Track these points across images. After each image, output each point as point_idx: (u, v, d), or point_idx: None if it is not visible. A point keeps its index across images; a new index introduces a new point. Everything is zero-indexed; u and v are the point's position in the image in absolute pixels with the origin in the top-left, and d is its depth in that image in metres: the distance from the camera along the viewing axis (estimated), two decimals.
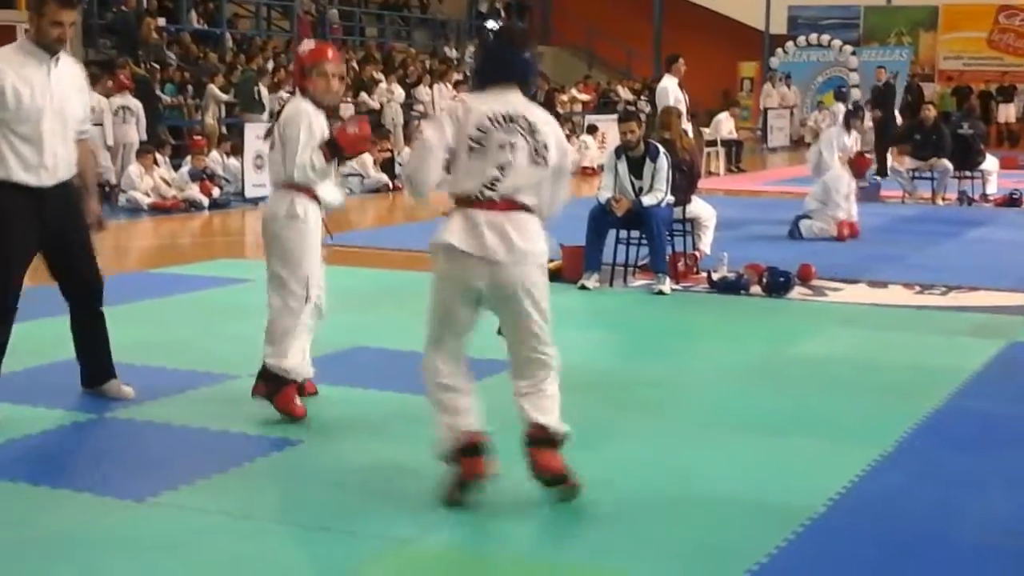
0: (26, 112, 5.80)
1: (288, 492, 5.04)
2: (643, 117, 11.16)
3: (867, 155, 14.43)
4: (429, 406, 4.99)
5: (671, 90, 13.83)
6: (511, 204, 4.82)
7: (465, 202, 4.79)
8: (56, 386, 6.55)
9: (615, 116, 25.54)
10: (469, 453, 4.85)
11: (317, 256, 6.14)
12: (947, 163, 16.87)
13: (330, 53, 6.15)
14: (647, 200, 9.75)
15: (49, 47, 5.93)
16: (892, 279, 10.34)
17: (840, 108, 20.63)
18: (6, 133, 5.79)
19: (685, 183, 10.30)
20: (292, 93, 6.30)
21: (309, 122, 5.93)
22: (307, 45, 6.29)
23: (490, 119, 4.78)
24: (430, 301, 4.95)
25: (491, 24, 6.40)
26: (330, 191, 6.22)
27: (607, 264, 9.92)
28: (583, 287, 9.64)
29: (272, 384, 6.00)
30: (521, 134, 4.81)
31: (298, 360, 6.04)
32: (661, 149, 9.90)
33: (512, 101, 4.85)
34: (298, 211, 5.97)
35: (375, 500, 4.90)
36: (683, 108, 13.82)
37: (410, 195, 4.94)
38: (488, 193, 4.76)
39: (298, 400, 6.03)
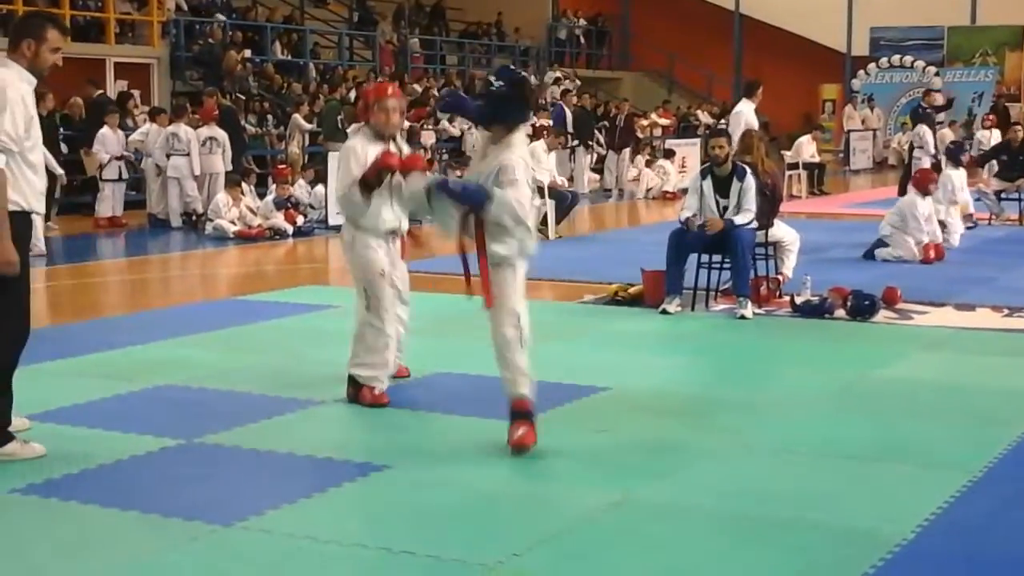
0: (34, 140, 5.78)
1: (373, 517, 5.08)
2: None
3: (932, 171, 14.31)
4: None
5: (745, 114, 13.77)
6: None
7: None
8: (145, 412, 6.66)
9: (694, 140, 25.67)
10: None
11: (375, 271, 6.88)
12: None
13: (390, 90, 7.03)
14: (739, 219, 9.72)
15: (41, 73, 5.84)
16: (979, 302, 10.18)
17: (924, 129, 20.37)
18: (20, 162, 5.63)
19: (767, 206, 10.24)
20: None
21: (352, 158, 6.74)
22: (371, 83, 6.93)
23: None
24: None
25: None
26: (386, 216, 6.88)
27: (688, 288, 9.88)
28: (664, 312, 9.61)
29: (353, 386, 6.85)
30: None
31: (375, 368, 6.84)
32: (748, 169, 9.87)
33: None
34: (346, 238, 6.97)
35: (459, 525, 4.92)
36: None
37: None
38: None
39: (376, 391, 6.80)
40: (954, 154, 14.95)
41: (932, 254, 12.70)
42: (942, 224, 13.49)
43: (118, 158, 16.52)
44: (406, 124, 21.95)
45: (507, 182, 5.79)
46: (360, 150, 6.73)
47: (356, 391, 6.82)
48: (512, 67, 6.49)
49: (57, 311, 10.31)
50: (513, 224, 5.90)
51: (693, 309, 9.81)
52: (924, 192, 13.14)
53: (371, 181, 6.66)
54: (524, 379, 6.03)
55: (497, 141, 5.93)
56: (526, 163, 5.93)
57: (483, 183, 5.85)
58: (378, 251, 6.88)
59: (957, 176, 14.41)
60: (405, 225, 7.07)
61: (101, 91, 18.96)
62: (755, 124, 13.80)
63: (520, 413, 5.95)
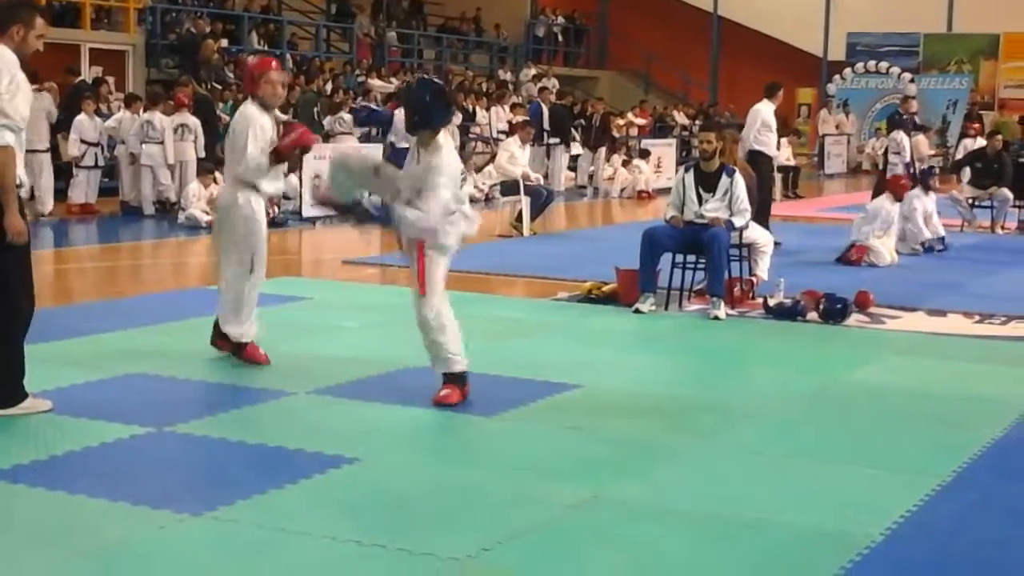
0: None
1: (344, 509, 5.06)
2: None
3: (904, 178, 14.43)
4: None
5: (763, 112, 13.82)
6: None
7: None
8: (114, 399, 6.62)
9: (670, 141, 25.72)
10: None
11: (262, 237, 7.41)
12: (1007, 192, 16.72)
13: (274, 64, 7.65)
14: (737, 221, 9.79)
15: (25, 57, 6.05)
16: (951, 308, 10.23)
17: (902, 136, 20.47)
18: (22, 141, 5.93)
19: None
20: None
21: (256, 127, 7.22)
22: (253, 58, 7.52)
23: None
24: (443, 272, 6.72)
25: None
26: (271, 183, 7.44)
27: (662, 288, 9.89)
28: (637, 311, 9.62)
29: (231, 345, 7.47)
30: None
31: (251, 324, 7.47)
32: (737, 169, 9.93)
33: None
34: (240, 200, 7.31)
35: (431, 518, 4.91)
36: (773, 135, 13.89)
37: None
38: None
39: (261, 350, 7.45)
40: (924, 178, 15.02)
41: (855, 255, 12.82)
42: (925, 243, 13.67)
43: (93, 144, 16.42)
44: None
45: (431, 184, 6.46)
46: (259, 117, 7.29)
47: (239, 348, 7.45)
48: (428, 77, 7.43)
49: None
50: (418, 233, 6.58)
51: (667, 309, 9.82)
52: (897, 197, 13.24)
53: (287, 154, 7.36)
54: (450, 355, 6.70)
55: (426, 145, 6.58)
56: (454, 163, 6.64)
57: (413, 185, 6.58)
58: (263, 219, 7.48)
59: (928, 202, 14.47)
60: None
61: (81, 78, 18.86)
62: (772, 123, 13.90)
63: (449, 378, 6.69)
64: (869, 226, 12.99)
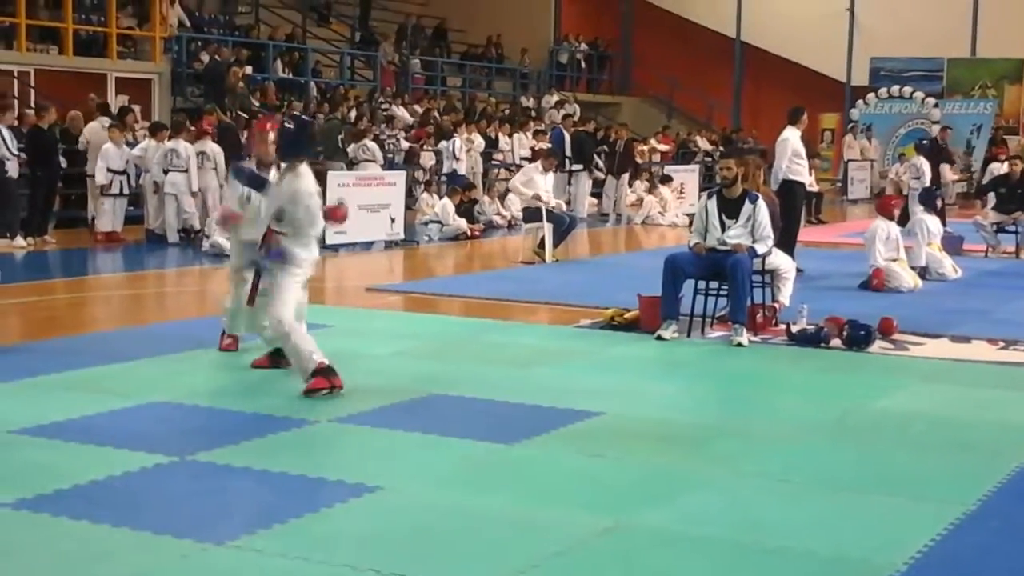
0: None
1: (365, 538, 5.07)
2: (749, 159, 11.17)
3: (894, 199, 14.41)
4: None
5: (791, 141, 13.82)
6: None
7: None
8: (138, 428, 6.65)
9: (693, 167, 25.72)
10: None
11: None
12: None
13: (269, 124, 8.46)
14: (760, 248, 9.84)
15: None
16: (975, 334, 10.18)
17: (922, 161, 20.44)
18: None
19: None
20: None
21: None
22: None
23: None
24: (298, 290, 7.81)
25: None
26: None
27: (684, 315, 9.88)
28: (659, 338, 9.61)
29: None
30: None
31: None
32: (760, 196, 9.95)
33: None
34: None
35: (451, 548, 4.91)
36: (804, 161, 13.89)
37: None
38: None
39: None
40: (928, 200, 15.01)
41: (875, 281, 12.75)
42: (922, 270, 13.58)
43: (120, 173, 16.51)
44: (406, 144, 22.07)
45: (310, 208, 7.67)
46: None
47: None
48: (299, 115, 8.43)
49: (53, 325, 10.30)
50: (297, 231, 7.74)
51: (689, 335, 9.81)
52: (888, 216, 13.26)
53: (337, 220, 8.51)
54: (306, 358, 7.45)
55: (293, 171, 7.70)
56: (311, 189, 7.74)
57: (279, 203, 7.73)
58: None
59: (931, 221, 14.46)
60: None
61: (123, 106, 19.03)
62: (802, 150, 13.91)
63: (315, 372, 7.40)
64: (870, 248, 12.98)
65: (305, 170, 7.73)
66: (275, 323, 7.56)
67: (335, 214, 8.28)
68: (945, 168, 23.10)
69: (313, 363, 7.39)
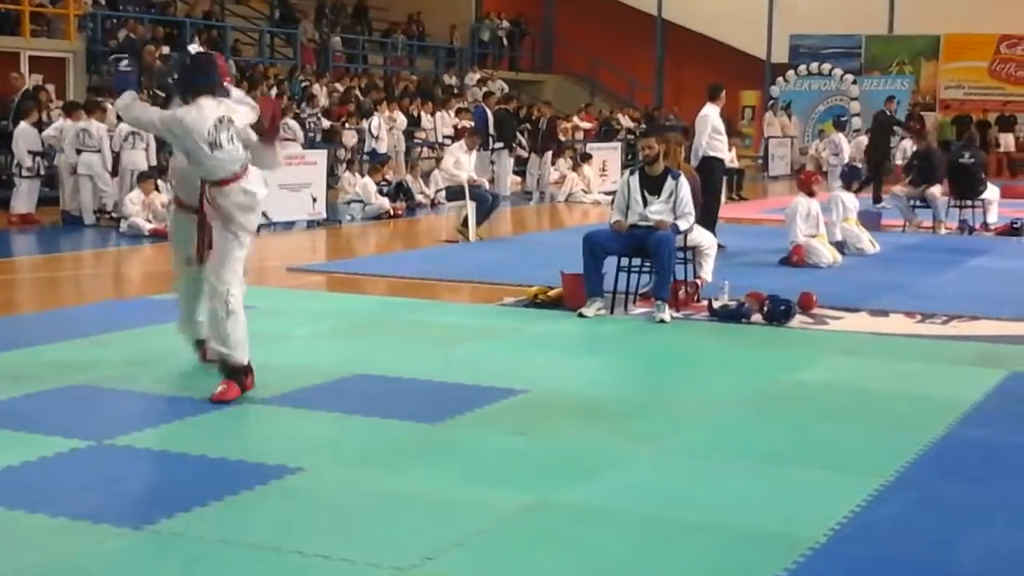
0: None
1: (286, 520, 5.01)
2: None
3: (814, 175, 14.59)
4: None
5: (711, 118, 13.89)
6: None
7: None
8: (54, 412, 6.53)
9: (615, 144, 25.79)
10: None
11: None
12: (935, 191, 16.90)
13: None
14: (682, 224, 9.88)
15: None
16: (893, 308, 10.31)
17: (840, 137, 20.68)
18: None
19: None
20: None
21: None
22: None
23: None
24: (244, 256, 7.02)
25: (192, 48, 7.45)
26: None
27: (608, 292, 9.90)
28: (581, 315, 9.62)
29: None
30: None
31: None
32: (681, 173, 10.01)
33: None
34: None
35: (374, 528, 4.88)
36: (723, 138, 13.97)
37: None
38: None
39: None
40: (847, 178, 15.19)
41: (795, 257, 12.89)
42: (839, 245, 13.74)
43: (37, 154, 16.20)
44: (326, 123, 21.88)
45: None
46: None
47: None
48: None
49: None
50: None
51: (612, 312, 9.84)
52: (808, 192, 13.40)
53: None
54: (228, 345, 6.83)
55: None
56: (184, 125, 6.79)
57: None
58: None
59: (848, 197, 14.62)
60: None
61: (27, 86, 18.69)
62: (721, 127, 13.99)
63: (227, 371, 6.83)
64: (791, 225, 13.11)
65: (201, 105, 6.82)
66: (224, 292, 6.82)
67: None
68: (862, 140, 23.47)
69: (238, 359, 6.83)
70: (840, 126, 22.35)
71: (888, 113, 22.20)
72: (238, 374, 6.81)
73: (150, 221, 15.15)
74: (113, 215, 15.88)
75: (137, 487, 5.40)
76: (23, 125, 16.18)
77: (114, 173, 16.55)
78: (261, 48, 27.04)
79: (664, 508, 5.18)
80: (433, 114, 24.42)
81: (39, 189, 16.62)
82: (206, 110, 6.73)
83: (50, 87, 19.97)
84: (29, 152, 16.09)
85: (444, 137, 23.61)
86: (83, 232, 15.80)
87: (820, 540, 4.78)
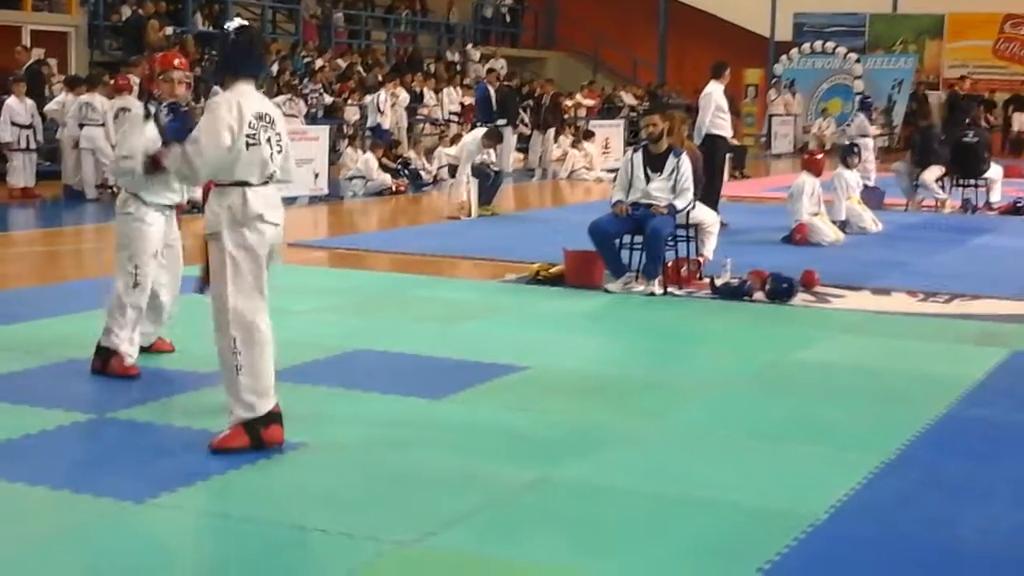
0: None
1: (287, 494, 5.02)
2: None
3: (819, 154, 14.56)
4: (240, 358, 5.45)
5: (715, 96, 13.87)
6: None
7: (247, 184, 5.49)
8: (56, 386, 6.53)
9: (618, 122, 25.72)
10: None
11: (148, 249, 6.87)
12: (927, 175, 16.85)
13: (177, 61, 6.82)
14: (679, 203, 9.89)
15: None
16: (895, 286, 10.30)
17: (863, 118, 20.54)
18: None
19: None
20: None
21: (137, 128, 6.64)
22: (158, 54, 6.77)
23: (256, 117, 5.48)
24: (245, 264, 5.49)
25: (233, 24, 6.39)
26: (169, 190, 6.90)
27: (631, 271, 9.90)
28: (607, 290, 9.72)
29: (102, 358, 6.74)
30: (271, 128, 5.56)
31: (131, 343, 6.80)
32: (684, 150, 10.01)
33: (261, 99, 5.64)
34: (130, 208, 6.86)
35: (374, 503, 4.88)
36: (726, 116, 13.93)
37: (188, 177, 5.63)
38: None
39: (127, 362, 6.73)
40: (846, 154, 15.15)
41: (798, 236, 12.88)
42: (842, 223, 13.71)
43: (26, 127, 16.13)
44: (329, 99, 21.82)
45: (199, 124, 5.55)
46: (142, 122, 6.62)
47: (105, 362, 6.71)
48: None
49: None
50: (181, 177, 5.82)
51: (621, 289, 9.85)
52: (815, 173, 13.38)
53: (153, 166, 6.53)
54: (237, 404, 5.48)
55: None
56: (232, 107, 5.47)
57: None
58: (153, 226, 6.89)
59: (851, 176, 14.59)
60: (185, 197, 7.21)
61: (36, 59, 18.66)
62: (724, 104, 13.97)
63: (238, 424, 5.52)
64: (796, 204, 13.10)
65: (238, 93, 5.54)
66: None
67: None
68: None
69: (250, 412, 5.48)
70: (866, 107, 22.17)
71: (960, 93, 21.14)
72: (252, 426, 5.50)
73: None
74: (115, 189, 15.83)
75: (139, 461, 5.38)
76: (8, 100, 16.11)
77: None
78: (263, 24, 26.91)
79: (666, 485, 5.18)
80: (438, 91, 24.35)
81: (35, 162, 16.55)
82: (248, 98, 5.54)
83: (52, 61, 19.90)
84: (15, 125, 16.00)
85: (451, 114, 23.55)
86: (85, 206, 15.78)
87: (821, 517, 4.78)
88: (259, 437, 5.43)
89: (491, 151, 16.33)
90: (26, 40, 20.41)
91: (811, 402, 6.64)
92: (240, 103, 5.47)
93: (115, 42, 22.08)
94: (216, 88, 6.25)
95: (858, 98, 23.77)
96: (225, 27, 5.73)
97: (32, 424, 5.77)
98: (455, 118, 23.80)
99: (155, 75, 6.66)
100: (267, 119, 5.57)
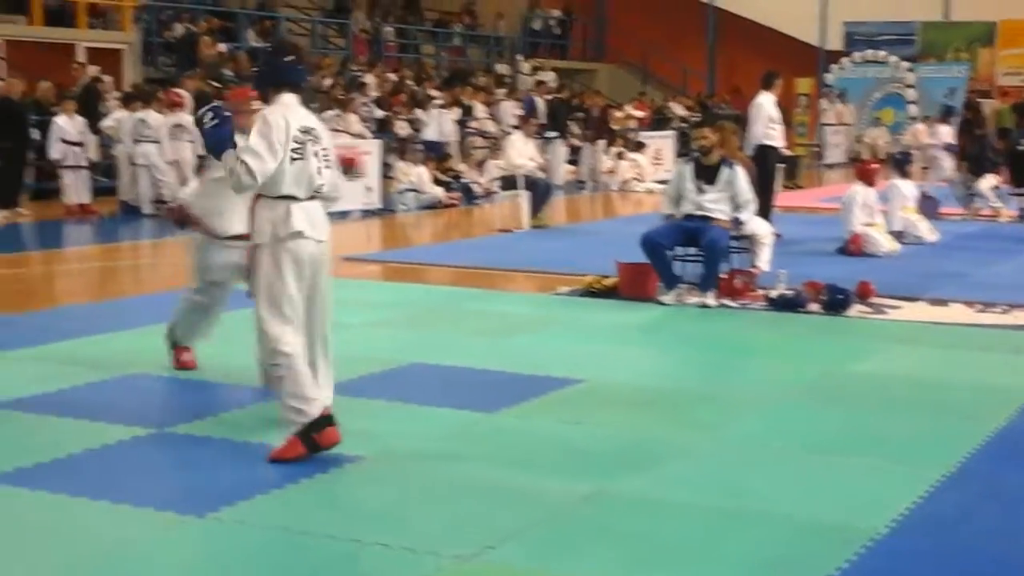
0: None
1: (347, 508, 5.05)
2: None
3: (873, 163, 14.45)
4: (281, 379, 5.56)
5: (766, 107, 13.84)
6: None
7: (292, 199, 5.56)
8: (116, 401, 6.61)
9: (668, 133, 25.66)
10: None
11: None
12: (990, 180, 16.69)
13: (252, 95, 6.67)
14: (743, 216, 9.92)
15: None
16: (953, 297, 10.21)
17: (944, 129, 20.37)
18: None
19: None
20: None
21: None
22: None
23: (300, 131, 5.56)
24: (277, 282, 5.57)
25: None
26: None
27: (685, 283, 9.88)
28: (660, 303, 9.71)
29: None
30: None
31: None
32: (736, 162, 10.00)
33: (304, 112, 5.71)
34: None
35: (432, 516, 4.90)
36: (777, 126, 13.90)
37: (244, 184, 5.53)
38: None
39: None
40: (900, 164, 15.04)
41: (852, 246, 12.79)
42: (897, 234, 13.61)
43: (75, 144, 16.28)
44: (380, 113, 21.93)
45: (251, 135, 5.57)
46: None
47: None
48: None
49: (26, 298, 10.22)
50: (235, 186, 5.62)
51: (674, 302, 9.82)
52: (869, 183, 13.28)
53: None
54: (287, 411, 5.58)
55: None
56: (277, 123, 5.53)
57: None
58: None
59: (906, 185, 14.49)
60: None
61: (95, 76, 18.89)
62: (776, 115, 13.93)
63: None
64: (848, 214, 13.02)
65: (282, 105, 5.64)
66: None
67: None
68: (920, 131, 23.19)
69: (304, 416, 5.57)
70: (945, 116, 22.02)
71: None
72: (307, 432, 5.57)
73: None
74: (171, 205, 15.98)
75: (199, 475, 5.44)
76: (57, 118, 16.25)
77: None
78: (314, 39, 27.14)
79: (722, 498, 5.16)
80: (489, 104, 24.41)
81: (89, 179, 16.68)
82: (293, 111, 5.61)
83: (107, 78, 20.14)
84: (64, 142, 16.15)
85: (510, 127, 23.61)
86: (141, 221, 15.96)
87: (881, 531, 4.74)
88: (314, 443, 5.50)
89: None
90: (81, 57, 20.69)
91: (868, 414, 6.59)
92: (285, 116, 5.54)
93: (168, 58, 22.33)
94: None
95: (946, 107, 23.63)
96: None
97: (93, 439, 5.84)
98: (512, 131, 23.85)
99: (238, 111, 6.53)
100: (312, 133, 5.63)
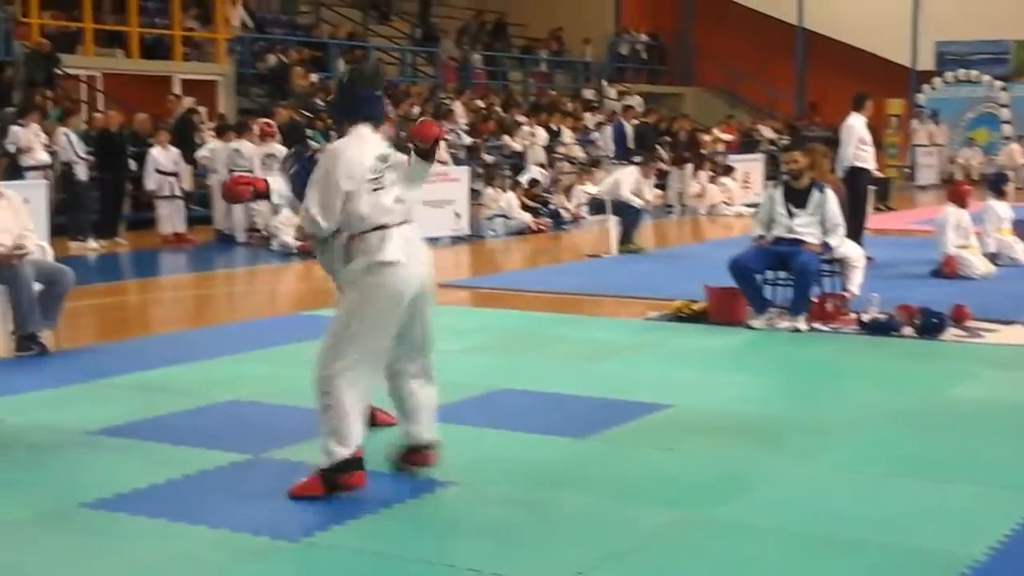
0: None
1: (438, 534, 5.08)
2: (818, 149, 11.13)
3: (966, 185, 14.19)
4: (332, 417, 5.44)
5: (857, 128, 13.74)
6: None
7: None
8: (212, 427, 6.72)
9: (757, 156, 25.51)
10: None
11: None
12: None
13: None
14: (833, 241, 9.86)
15: None
16: None
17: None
18: None
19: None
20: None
21: None
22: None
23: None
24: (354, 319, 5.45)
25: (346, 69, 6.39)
26: None
27: (776, 307, 9.82)
28: (750, 327, 9.65)
29: None
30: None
31: None
32: (827, 185, 9.92)
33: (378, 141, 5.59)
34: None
35: (523, 542, 4.91)
36: (869, 148, 13.78)
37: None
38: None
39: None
40: (995, 184, 14.79)
41: (946, 269, 12.59)
42: (992, 256, 13.38)
43: (170, 174, 16.58)
44: (468, 140, 22.07)
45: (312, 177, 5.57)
46: None
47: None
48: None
49: (124, 326, 10.43)
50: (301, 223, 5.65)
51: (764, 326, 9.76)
52: (961, 204, 13.08)
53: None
54: (322, 450, 5.49)
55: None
56: (342, 160, 5.48)
57: None
58: None
59: (1001, 207, 14.24)
60: None
61: (190, 108, 19.28)
62: (867, 137, 13.82)
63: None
64: (941, 236, 12.84)
65: (357, 138, 5.57)
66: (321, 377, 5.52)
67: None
68: (1016, 150, 22.83)
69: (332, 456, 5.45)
70: None
71: None
72: (330, 473, 5.48)
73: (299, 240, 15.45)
74: (264, 233, 16.26)
75: (294, 500, 5.50)
76: (152, 150, 16.57)
77: None
78: (403, 67, 27.44)
79: (816, 524, 5.11)
80: (575, 130, 24.46)
81: (184, 208, 16.99)
82: (368, 142, 5.56)
83: (202, 109, 20.54)
84: (159, 172, 16.46)
85: (607, 157, 23.65)
86: (235, 250, 16.22)
87: (980, 559, 4.67)
88: (336, 484, 5.42)
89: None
90: (177, 89, 21.12)
91: (964, 439, 6.49)
92: (360, 148, 5.49)
93: (261, 89, 22.71)
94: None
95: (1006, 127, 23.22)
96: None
97: (190, 465, 5.94)
98: (623, 163, 23.87)
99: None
100: (389, 160, 5.56)
